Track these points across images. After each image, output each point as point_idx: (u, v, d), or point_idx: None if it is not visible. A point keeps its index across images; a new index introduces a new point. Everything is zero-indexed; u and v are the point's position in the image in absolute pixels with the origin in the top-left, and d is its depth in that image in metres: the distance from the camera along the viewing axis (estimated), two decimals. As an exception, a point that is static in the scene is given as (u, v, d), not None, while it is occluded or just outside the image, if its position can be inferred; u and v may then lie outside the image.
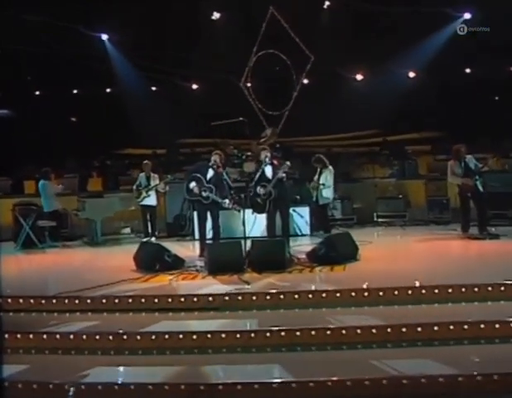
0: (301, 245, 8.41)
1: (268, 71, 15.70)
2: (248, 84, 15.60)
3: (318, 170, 9.76)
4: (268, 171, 7.79)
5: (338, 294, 5.48)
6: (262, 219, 9.69)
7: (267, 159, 7.75)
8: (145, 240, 10.58)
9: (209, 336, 4.79)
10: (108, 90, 16.61)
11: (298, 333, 4.73)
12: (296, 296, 5.51)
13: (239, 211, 7.61)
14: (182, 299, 5.58)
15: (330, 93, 14.87)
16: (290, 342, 4.72)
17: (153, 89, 16.30)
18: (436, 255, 7.46)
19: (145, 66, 14.52)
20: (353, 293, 5.47)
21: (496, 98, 15.70)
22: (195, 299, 5.58)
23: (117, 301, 5.67)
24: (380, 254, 7.42)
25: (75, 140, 14.77)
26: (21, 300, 5.77)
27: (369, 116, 14.91)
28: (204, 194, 7.82)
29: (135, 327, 5.09)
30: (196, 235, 10.14)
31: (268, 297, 5.53)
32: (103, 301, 5.69)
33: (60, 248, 10.14)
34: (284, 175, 7.57)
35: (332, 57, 14.33)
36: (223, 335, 4.78)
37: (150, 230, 10.66)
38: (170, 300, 5.59)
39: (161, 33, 14.09)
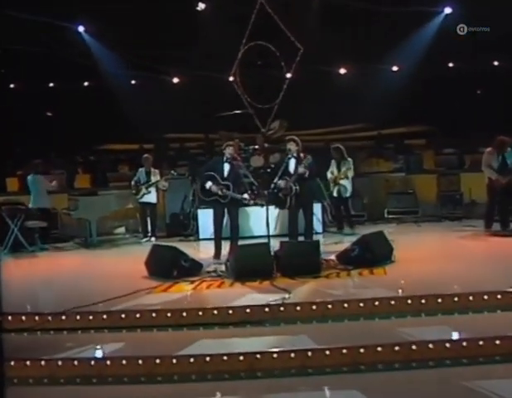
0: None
1: (257, 63, 15.10)
2: (237, 78, 14.95)
3: (336, 162, 9.15)
4: (292, 164, 7.12)
5: (393, 302, 4.85)
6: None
7: (291, 152, 7.06)
8: (144, 240, 9.82)
9: (258, 356, 4.09)
10: (86, 84, 15.73)
11: (362, 350, 4.08)
12: (345, 305, 4.86)
13: (262, 205, 6.94)
14: (215, 312, 4.86)
15: (316, 87, 14.41)
16: (353, 360, 4.07)
17: (133, 82, 15.43)
18: (472, 255, 6.94)
19: (127, 59, 13.71)
20: (409, 301, 4.85)
21: (478, 91, 15.59)
22: (230, 312, 4.86)
23: (138, 316, 4.90)
24: (414, 255, 6.82)
25: (53, 135, 13.92)
26: (23, 317, 4.95)
27: (356, 110, 14.53)
28: (221, 193, 7.12)
29: (166, 348, 4.37)
30: (202, 235, 9.59)
31: (314, 307, 4.87)
32: (123, 316, 4.91)
33: (51, 251, 9.25)
34: (304, 170, 6.90)
35: (319, 50, 13.89)
36: (274, 355, 4.09)
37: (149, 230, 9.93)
38: (201, 313, 4.86)
39: (143, 24, 13.29)
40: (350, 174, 9.16)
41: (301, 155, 7.09)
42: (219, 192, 7.07)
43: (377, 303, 4.85)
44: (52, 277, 6.99)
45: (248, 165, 10.01)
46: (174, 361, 4.12)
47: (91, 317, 4.93)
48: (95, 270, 7.17)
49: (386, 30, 13.00)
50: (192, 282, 5.96)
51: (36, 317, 4.98)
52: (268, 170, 9.48)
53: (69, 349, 4.48)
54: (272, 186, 7.09)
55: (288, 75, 14.03)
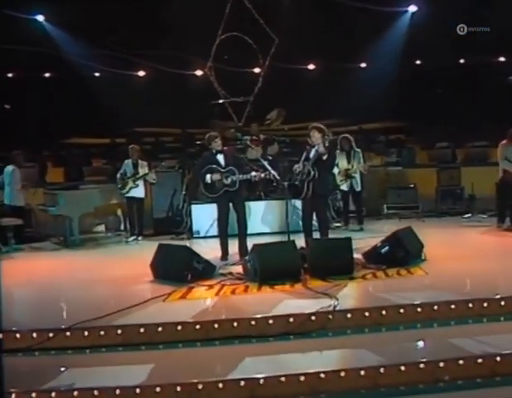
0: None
1: (232, 55, 14.46)
2: (212, 71, 14.24)
3: (345, 153, 8.58)
4: (313, 153, 6.44)
5: (453, 306, 4.30)
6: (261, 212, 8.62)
7: (316, 141, 6.34)
8: (131, 239, 8.93)
9: (322, 376, 3.43)
10: (47, 75, 14.59)
11: (442, 364, 3.49)
12: (401, 310, 4.27)
13: (273, 176, 6.39)
14: (253, 323, 4.16)
15: (287, 82, 13.95)
16: (432, 376, 3.48)
17: (100, 74, 14.44)
18: (502, 252, 6.48)
19: (93, 49, 12.75)
20: (470, 304, 4.31)
21: (440, 90, 15.54)
22: (270, 322, 4.17)
23: (160, 329, 4.13)
24: (442, 252, 6.27)
25: (13, 128, 12.73)
26: (17, 335, 4.08)
27: (329, 106, 14.17)
28: (227, 181, 6.43)
29: (203, 369, 3.63)
30: (196, 233, 8.83)
31: (366, 313, 4.24)
32: (141, 331, 4.12)
33: (27, 251, 8.23)
34: (324, 151, 6.23)
35: (290, 46, 13.48)
36: (342, 373, 3.44)
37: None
38: (236, 325, 4.15)
39: (112, 14, 12.37)
40: (362, 166, 8.63)
41: (326, 144, 6.42)
42: (225, 181, 6.38)
43: (436, 307, 4.29)
44: (39, 283, 6.02)
45: (244, 157, 9.32)
46: (220, 385, 3.39)
47: (102, 333, 4.12)
48: (87, 274, 6.22)
49: (357, 27, 12.81)
50: (211, 286, 5.21)
51: (34, 335, 4.12)
52: (266, 162, 8.84)
53: (76, 376, 3.66)
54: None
55: (257, 70, 13.57)
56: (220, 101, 9.66)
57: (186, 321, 4.18)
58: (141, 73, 14.53)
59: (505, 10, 11.20)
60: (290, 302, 4.59)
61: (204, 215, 8.93)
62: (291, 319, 4.17)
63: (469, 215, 9.80)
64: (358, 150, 8.76)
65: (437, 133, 13.38)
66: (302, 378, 3.40)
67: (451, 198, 10.33)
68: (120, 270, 6.32)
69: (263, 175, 6.46)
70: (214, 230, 8.94)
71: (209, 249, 7.15)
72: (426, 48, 13.49)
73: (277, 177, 6.47)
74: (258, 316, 4.20)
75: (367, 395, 3.41)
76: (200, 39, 13.46)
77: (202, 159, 6.89)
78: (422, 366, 3.47)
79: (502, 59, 14.71)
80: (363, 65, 14.69)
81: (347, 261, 5.36)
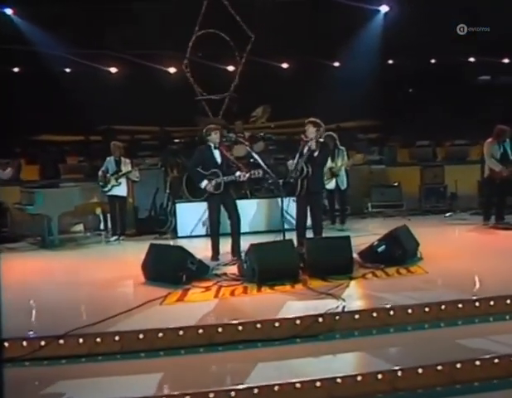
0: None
1: (208, 52, 14.26)
2: (188, 67, 13.99)
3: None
4: (307, 149, 6.29)
5: (460, 305, 4.23)
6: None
7: (311, 137, 6.21)
8: (114, 238, 8.62)
9: (339, 381, 3.28)
10: (16, 70, 14.02)
11: (459, 365, 3.40)
12: (409, 311, 4.18)
13: (259, 174, 6.23)
14: (258, 326, 3.98)
15: (265, 79, 13.85)
16: (449, 378, 3.38)
17: (71, 70, 13.99)
18: (495, 250, 6.44)
19: (65, 44, 12.30)
20: (477, 304, 4.26)
21: (410, 90, 15.85)
22: (276, 324, 4.00)
23: (161, 335, 3.90)
24: (436, 251, 6.18)
25: None
26: (6, 344, 3.77)
27: (307, 104, 14.16)
28: (213, 183, 6.25)
29: (210, 376, 3.44)
30: (181, 233, 8.57)
31: (374, 314, 4.13)
32: (140, 337, 3.89)
33: (3, 252, 7.77)
34: (315, 147, 6.09)
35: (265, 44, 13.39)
36: (359, 378, 3.30)
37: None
38: (240, 328, 3.96)
39: (84, 7, 11.97)
40: (345, 164, 8.57)
41: (321, 140, 6.30)
42: (213, 185, 6.21)
43: (443, 307, 4.21)
44: (18, 287, 5.60)
45: (231, 154, 9.11)
46: (233, 394, 3.20)
47: (99, 340, 3.85)
48: (71, 277, 5.90)
49: (332, 26, 12.76)
50: (207, 288, 5.00)
51: (24, 343, 3.83)
52: (252, 160, 8.67)
53: (71, 387, 3.40)
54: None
55: (231, 68, 13.38)
56: (204, 97, 9.33)
57: (189, 325, 3.96)
58: (114, 69, 14.12)
59: (479, 11, 11.47)
60: (293, 303, 4.44)
61: (188, 215, 8.71)
62: (297, 321, 4.02)
63: (450, 213, 9.88)
64: (342, 148, 8.69)
65: (416, 131, 13.53)
66: (318, 383, 3.25)
67: (434, 196, 10.39)
68: (106, 272, 6.03)
69: (247, 175, 6.23)
70: (200, 230, 8.79)
71: (196, 249, 6.84)
72: (399, 48, 13.64)
73: (272, 175, 6.28)
74: (264, 319, 4.02)
75: (384, 398, 3.28)
76: (177, 35, 13.28)
77: (198, 154, 6.61)
78: (439, 367, 3.37)
79: (472, 59, 15.09)
80: (338, 63, 14.73)
81: (347, 260, 5.24)
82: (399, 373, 3.33)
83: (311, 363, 3.52)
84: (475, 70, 15.49)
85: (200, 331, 3.93)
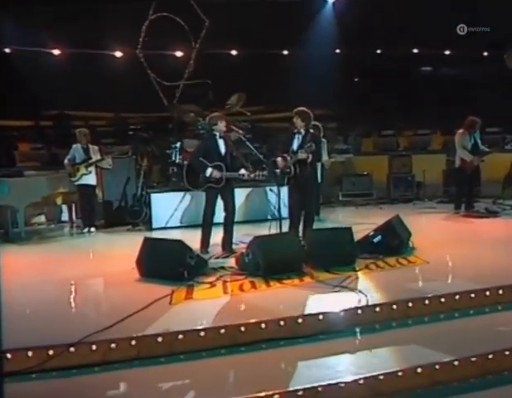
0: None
1: (163, 37, 13.80)
2: (142, 53, 13.48)
3: None
4: (296, 141, 6.17)
5: (472, 295, 4.30)
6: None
7: (297, 127, 6.12)
8: (86, 230, 8.14)
9: (381, 378, 3.21)
10: None
11: (491, 356, 3.43)
12: (426, 302, 4.18)
13: (263, 177, 6.04)
14: (282, 323, 3.83)
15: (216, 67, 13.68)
16: (482, 369, 3.40)
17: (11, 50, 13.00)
18: (476, 237, 6.72)
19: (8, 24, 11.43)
20: (487, 293, 4.33)
21: (356, 79, 15.91)
22: (299, 321, 3.87)
23: (181, 337, 3.66)
24: (423, 240, 6.25)
25: None
26: (8, 355, 3.38)
27: (261, 93, 14.04)
28: (217, 175, 6.00)
29: (243, 380, 3.26)
30: (156, 224, 8.22)
31: (394, 306, 4.10)
32: (159, 340, 3.62)
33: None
34: (306, 156, 5.95)
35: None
36: (400, 373, 3.24)
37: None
38: (263, 326, 3.79)
39: None
40: (325, 161, 8.55)
41: (311, 132, 6.19)
42: (219, 177, 5.96)
43: (457, 297, 4.26)
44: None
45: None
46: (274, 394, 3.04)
47: (113, 346, 3.54)
48: (55, 275, 5.42)
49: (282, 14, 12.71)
50: (212, 284, 4.78)
51: (29, 353, 3.45)
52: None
53: None
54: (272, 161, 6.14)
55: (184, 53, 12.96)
56: (178, 83, 8.94)
57: (209, 327, 3.74)
58: (58, 51, 13.24)
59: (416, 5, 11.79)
60: (309, 298, 4.29)
61: (163, 206, 8.37)
62: (320, 317, 3.91)
63: (419, 201, 10.18)
64: (324, 140, 8.64)
65: (374, 121, 13.78)
66: (362, 381, 3.17)
67: (402, 185, 10.66)
68: (91, 268, 5.65)
69: (252, 175, 6.03)
70: (175, 221, 8.48)
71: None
72: (347, 38, 13.86)
73: (264, 160, 6.11)
74: (287, 316, 3.87)
75: (424, 393, 3.25)
76: (133, 18, 12.69)
77: (202, 143, 6.34)
78: (473, 359, 3.39)
79: (415, 51, 15.52)
80: (290, 52, 14.48)
81: (350, 252, 5.21)
82: (437, 366, 3.31)
83: (350, 360, 3.43)
84: (419, 62, 15.97)
85: (222, 331, 3.72)
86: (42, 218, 9.16)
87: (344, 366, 3.34)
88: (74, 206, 8.90)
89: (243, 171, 6.08)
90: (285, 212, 8.54)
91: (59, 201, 9.06)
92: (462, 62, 14.13)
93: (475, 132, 8.43)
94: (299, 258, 5.05)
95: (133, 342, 3.59)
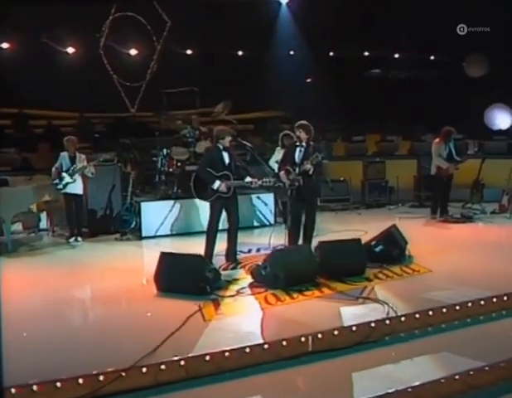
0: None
1: (125, 36, 13.64)
2: (104, 52, 13.26)
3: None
4: (299, 154, 6.36)
5: (494, 300, 4.66)
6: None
7: (301, 140, 6.30)
8: (72, 240, 7.90)
9: (427, 386, 3.46)
10: None
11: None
12: (443, 310, 4.50)
13: (270, 183, 6.19)
14: (320, 336, 4.01)
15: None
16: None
17: None
18: (464, 244, 7.11)
19: None
20: (494, 300, 4.71)
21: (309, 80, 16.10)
22: (335, 333, 4.06)
23: (227, 355, 3.73)
24: (418, 247, 6.54)
25: None
26: (13, 390, 3.26)
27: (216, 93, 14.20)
28: (224, 189, 6.09)
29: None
30: (146, 233, 8.13)
31: (417, 316, 4.39)
32: (207, 358, 3.68)
33: None
34: (311, 167, 6.21)
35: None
36: (442, 381, 3.51)
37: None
38: (303, 340, 3.95)
39: None
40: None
41: (312, 144, 6.40)
42: (226, 190, 6.05)
43: (482, 302, 4.61)
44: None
45: (193, 151, 8.81)
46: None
47: (163, 367, 3.56)
48: (65, 293, 5.25)
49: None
50: (234, 298, 4.88)
51: (80, 381, 3.40)
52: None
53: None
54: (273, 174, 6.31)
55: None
56: (170, 91, 8.89)
57: (252, 344, 3.84)
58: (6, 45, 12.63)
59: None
60: (335, 309, 4.52)
61: (153, 214, 8.30)
62: (354, 328, 4.13)
63: (393, 206, 10.67)
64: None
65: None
66: (410, 389, 3.41)
67: (377, 190, 11.10)
68: (100, 283, 5.54)
69: (259, 182, 6.18)
70: (165, 229, 8.43)
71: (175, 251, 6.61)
72: (298, 39, 13.80)
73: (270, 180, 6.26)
74: (325, 329, 4.05)
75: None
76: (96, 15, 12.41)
77: (207, 155, 6.43)
78: (502, 364, 3.71)
79: (366, 53, 15.95)
80: (244, 53, 14.79)
81: (361, 262, 5.47)
82: (471, 372, 3.61)
83: (395, 368, 3.66)
84: (368, 64, 16.48)
85: (266, 346, 3.85)
86: (19, 226, 8.83)
87: (395, 375, 3.56)
88: (49, 213, 8.64)
89: (249, 178, 6.23)
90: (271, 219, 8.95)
91: (33, 207, 8.78)
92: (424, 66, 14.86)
93: (450, 141, 8.97)
94: (314, 269, 5.25)
95: (182, 363, 3.64)
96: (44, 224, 8.85)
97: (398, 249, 6.05)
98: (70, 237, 7.96)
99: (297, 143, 6.39)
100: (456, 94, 13.39)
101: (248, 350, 3.81)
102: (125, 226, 8.22)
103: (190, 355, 3.69)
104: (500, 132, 12.41)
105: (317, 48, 14.31)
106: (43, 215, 8.82)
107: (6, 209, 7.05)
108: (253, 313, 4.51)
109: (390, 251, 6.00)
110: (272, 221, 8.98)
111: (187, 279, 5.00)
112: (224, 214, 6.34)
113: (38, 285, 5.72)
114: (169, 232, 8.32)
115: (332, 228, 8.40)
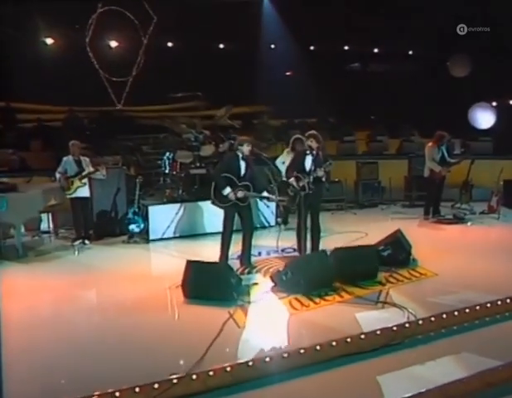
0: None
1: (112, 31, 13.65)
2: (90, 46, 13.22)
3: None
4: (309, 161, 6.64)
5: (499, 303, 5.03)
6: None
7: (312, 149, 6.59)
8: (77, 243, 7.99)
9: (451, 385, 3.81)
10: None
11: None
12: (455, 313, 4.85)
13: (283, 201, 6.50)
14: (348, 340, 4.32)
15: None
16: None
17: None
18: (463, 246, 7.49)
19: None
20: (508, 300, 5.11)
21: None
22: (362, 337, 4.37)
23: (268, 360, 4.00)
24: (419, 249, 6.92)
25: None
26: (117, 394, 3.53)
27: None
28: (239, 195, 6.30)
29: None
30: (153, 236, 8.29)
31: (432, 319, 4.74)
32: (250, 364, 3.94)
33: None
34: (324, 174, 6.56)
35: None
36: (464, 380, 3.86)
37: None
38: (334, 344, 4.24)
39: None
40: None
41: (320, 153, 6.69)
42: (238, 195, 6.27)
43: (478, 307, 4.98)
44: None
45: (198, 154, 8.98)
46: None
47: (211, 374, 3.80)
48: (91, 301, 5.48)
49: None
50: (259, 303, 5.15)
51: (137, 389, 3.60)
52: (215, 160, 8.70)
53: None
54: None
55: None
56: (177, 95, 9.02)
57: (290, 350, 4.12)
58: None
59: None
60: (357, 314, 4.85)
61: (160, 217, 8.47)
62: (378, 332, 4.45)
63: (385, 206, 11.07)
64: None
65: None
66: (439, 389, 3.75)
67: (370, 191, 11.49)
68: (125, 291, 5.69)
69: (274, 197, 6.50)
70: (171, 232, 8.60)
71: (187, 255, 6.83)
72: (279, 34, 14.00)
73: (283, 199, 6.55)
74: (352, 334, 4.37)
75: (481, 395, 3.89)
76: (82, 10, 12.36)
77: (224, 161, 6.62)
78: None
79: (346, 47, 16.08)
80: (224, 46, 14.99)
81: (373, 267, 5.81)
82: (493, 370, 3.98)
83: (423, 369, 3.99)
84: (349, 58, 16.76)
85: (302, 351, 4.14)
86: (21, 228, 8.84)
87: (424, 376, 3.89)
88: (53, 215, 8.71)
89: (266, 193, 6.49)
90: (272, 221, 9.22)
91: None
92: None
93: (442, 145, 9.39)
94: (331, 274, 5.56)
95: (228, 369, 3.89)
96: (45, 225, 8.96)
97: (405, 253, 6.41)
98: (75, 240, 8.06)
99: (308, 152, 6.68)
100: (441, 93, 13.96)
101: (286, 355, 4.09)
102: (133, 230, 8.34)
103: (236, 362, 3.95)
104: (484, 131, 12.99)
105: (299, 42, 14.62)
106: (43, 216, 8.90)
107: (17, 215, 7.11)
108: (283, 319, 4.79)
109: (397, 255, 6.35)
110: (273, 223, 9.32)
111: (214, 285, 5.24)
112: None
113: (59, 292, 5.87)
114: (174, 235, 8.52)
115: (333, 229, 8.74)
